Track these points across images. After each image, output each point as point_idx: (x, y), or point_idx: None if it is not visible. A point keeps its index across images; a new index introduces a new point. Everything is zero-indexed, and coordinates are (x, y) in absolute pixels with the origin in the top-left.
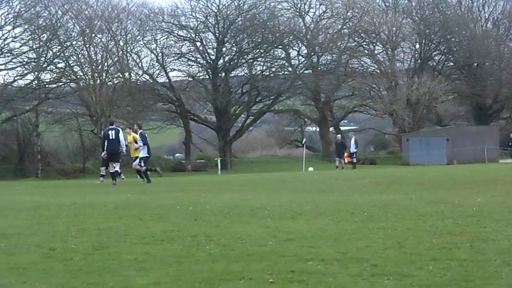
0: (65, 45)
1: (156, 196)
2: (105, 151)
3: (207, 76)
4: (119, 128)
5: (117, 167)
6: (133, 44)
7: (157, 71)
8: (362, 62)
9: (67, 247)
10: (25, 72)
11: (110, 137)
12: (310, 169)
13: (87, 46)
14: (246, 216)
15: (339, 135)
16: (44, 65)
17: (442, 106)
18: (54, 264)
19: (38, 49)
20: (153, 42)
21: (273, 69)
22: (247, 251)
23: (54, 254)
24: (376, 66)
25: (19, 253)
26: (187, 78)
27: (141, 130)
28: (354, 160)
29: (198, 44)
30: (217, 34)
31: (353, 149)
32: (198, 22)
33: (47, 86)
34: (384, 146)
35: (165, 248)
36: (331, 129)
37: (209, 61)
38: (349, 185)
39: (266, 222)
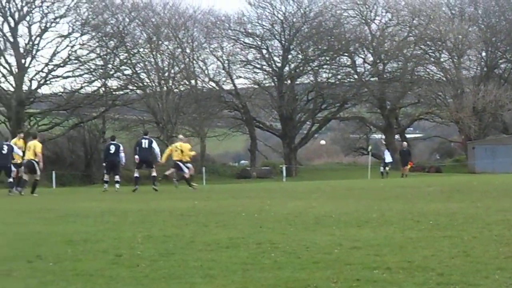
0: (132, 52)
1: (221, 203)
2: (137, 156)
3: (272, 84)
4: (152, 139)
5: (153, 172)
6: (200, 52)
7: (223, 78)
8: (428, 70)
9: (133, 253)
10: (92, 79)
11: (143, 145)
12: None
13: (154, 53)
14: (312, 224)
15: (405, 143)
16: (111, 72)
17: (508, 114)
18: (120, 270)
19: (105, 56)
20: (219, 50)
21: (339, 77)
22: (312, 259)
23: (120, 261)
24: (442, 74)
25: (85, 260)
26: (252, 85)
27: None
28: (387, 170)
29: (264, 51)
30: (283, 42)
31: (388, 159)
32: (264, 30)
33: (114, 93)
34: (450, 154)
35: (231, 255)
36: (396, 136)
37: (274, 68)
38: (415, 193)
39: (331, 229)
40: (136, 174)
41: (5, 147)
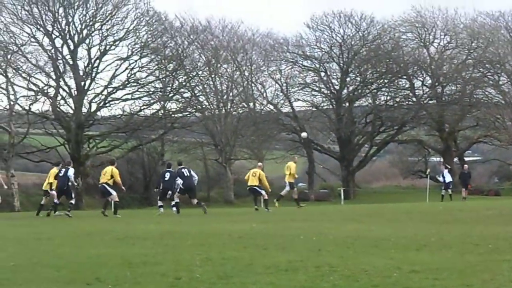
0: (191, 75)
1: (280, 225)
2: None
3: (330, 106)
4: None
5: (194, 201)
6: (258, 74)
7: (281, 101)
8: (486, 93)
9: (192, 276)
10: (152, 101)
11: (185, 174)
12: (304, 134)
13: (212, 76)
14: (370, 247)
15: (466, 165)
16: (170, 95)
17: None
18: None
19: (164, 79)
20: (278, 72)
21: (397, 99)
22: (371, 282)
23: (179, 284)
24: (501, 97)
25: (144, 282)
26: (311, 108)
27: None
28: (450, 192)
29: (322, 74)
30: (341, 64)
31: (448, 179)
32: (323, 52)
33: (173, 115)
34: (509, 177)
35: (290, 278)
36: (455, 159)
37: (333, 91)
38: (473, 216)
39: (390, 253)
40: (176, 200)
41: (63, 170)
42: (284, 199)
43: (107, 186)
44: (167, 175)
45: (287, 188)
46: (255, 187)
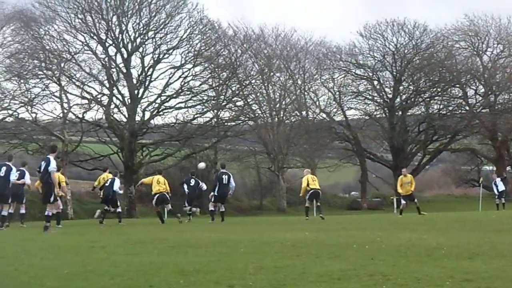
0: (244, 84)
1: (333, 234)
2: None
3: (383, 115)
4: (230, 174)
5: (222, 208)
6: (311, 83)
7: (334, 110)
8: None
9: (245, 284)
10: (205, 110)
11: (223, 182)
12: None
13: (265, 84)
14: (423, 256)
15: None
16: (223, 103)
17: None
18: None
19: (217, 88)
20: (331, 81)
21: (450, 108)
22: None
23: None
24: None
25: None
26: (363, 116)
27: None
28: (503, 201)
29: (375, 82)
30: (394, 73)
31: (501, 187)
32: (376, 61)
33: (226, 124)
34: None
35: (342, 287)
36: (508, 168)
37: (386, 99)
38: None
39: (442, 262)
40: (211, 208)
41: (109, 180)
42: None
43: (166, 195)
44: (226, 178)
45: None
46: (319, 191)
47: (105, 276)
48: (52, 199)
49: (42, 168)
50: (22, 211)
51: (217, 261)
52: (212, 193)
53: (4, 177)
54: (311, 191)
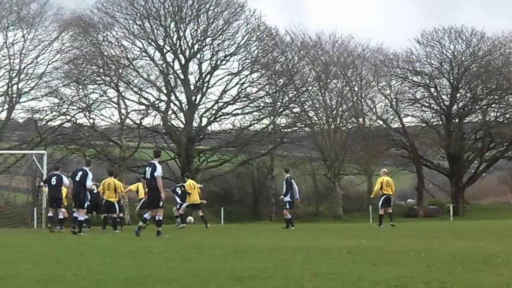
0: (301, 90)
1: (389, 241)
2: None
3: (440, 122)
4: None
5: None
6: (368, 90)
7: (391, 117)
8: None
9: None
10: (261, 116)
11: (293, 186)
12: (190, 218)
13: (322, 91)
14: (479, 264)
15: None
16: (280, 110)
17: None
18: None
19: (274, 94)
20: (388, 88)
21: (507, 116)
22: None
23: None
24: None
25: None
26: (420, 123)
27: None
28: None
29: (432, 90)
30: (451, 80)
31: None
32: (433, 68)
33: (282, 130)
34: None
35: None
36: None
37: (443, 107)
38: None
39: (499, 270)
40: (289, 216)
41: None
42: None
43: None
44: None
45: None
46: (391, 196)
47: (162, 281)
48: (161, 204)
49: (148, 174)
50: (61, 216)
51: (273, 267)
52: (286, 199)
53: (79, 182)
54: (384, 196)
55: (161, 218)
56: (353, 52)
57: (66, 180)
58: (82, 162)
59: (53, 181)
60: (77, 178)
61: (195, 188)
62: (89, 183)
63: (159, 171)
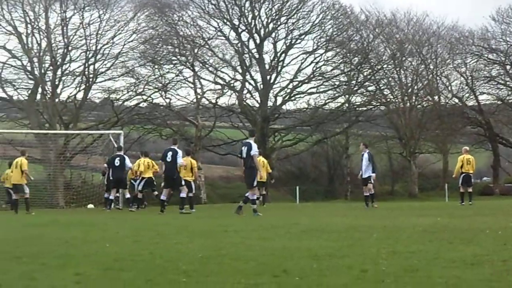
0: (375, 69)
1: (465, 219)
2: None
3: None
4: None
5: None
6: (443, 68)
7: (466, 95)
8: None
9: (378, 269)
10: (336, 95)
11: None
12: (90, 206)
13: (397, 69)
14: None
15: None
16: (355, 88)
17: None
18: (365, 286)
19: (349, 73)
20: (463, 66)
21: None
22: None
23: (365, 276)
24: None
25: (331, 275)
26: (496, 101)
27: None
28: None
29: (508, 67)
30: None
31: None
32: (508, 46)
33: (357, 109)
34: None
35: (475, 272)
36: None
37: None
38: None
39: None
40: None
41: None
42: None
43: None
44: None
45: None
46: (471, 175)
47: (239, 260)
48: (255, 183)
49: (244, 153)
50: (127, 195)
51: (349, 246)
52: (372, 175)
53: (172, 162)
54: (463, 174)
55: (254, 197)
56: (428, 29)
57: (129, 163)
58: (158, 141)
59: (117, 162)
60: (168, 159)
61: (264, 166)
62: (180, 160)
63: (255, 150)
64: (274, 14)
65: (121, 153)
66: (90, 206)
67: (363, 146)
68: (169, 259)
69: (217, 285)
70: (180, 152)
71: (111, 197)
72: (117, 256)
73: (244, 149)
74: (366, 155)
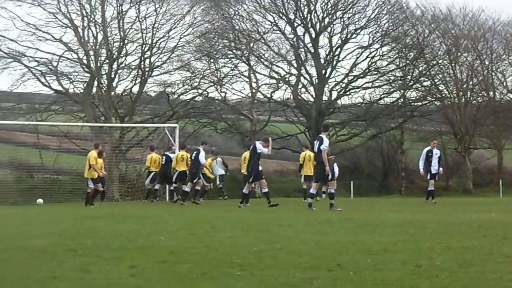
0: (431, 64)
1: None
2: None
3: None
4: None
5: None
6: (498, 63)
7: None
8: None
9: (432, 264)
10: (391, 90)
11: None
12: (39, 200)
13: (452, 64)
14: None
15: None
16: (410, 83)
17: None
18: (420, 281)
19: (404, 68)
20: None
21: None
22: None
23: (420, 271)
24: None
25: (385, 269)
26: None
27: None
28: None
29: None
30: None
31: None
32: None
33: (412, 104)
34: None
35: None
36: None
37: None
38: None
39: None
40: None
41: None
42: None
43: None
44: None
45: None
46: None
47: (293, 254)
48: (329, 177)
49: (316, 147)
50: (187, 189)
51: (404, 241)
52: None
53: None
54: None
55: (332, 191)
56: (483, 25)
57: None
58: (214, 135)
59: (194, 155)
60: (192, 156)
61: (310, 160)
62: (202, 160)
63: (324, 145)
64: (329, 9)
65: (201, 147)
66: (39, 201)
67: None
68: (224, 252)
69: (272, 279)
70: (202, 152)
71: (187, 189)
72: (172, 249)
73: (316, 143)
74: (437, 152)
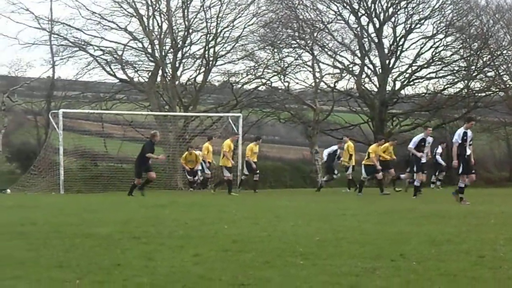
0: (495, 54)
1: None
2: None
3: None
4: None
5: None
6: None
7: None
8: None
9: (495, 255)
10: (455, 80)
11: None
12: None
13: None
14: None
15: None
16: (474, 74)
17: None
18: (483, 272)
19: (468, 58)
20: None
21: None
22: None
23: (482, 262)
24: None
25: (448, 260)
26: None
27: None
28: None
29: None
30: None
31: None
32: None
33: (476, 94)
34: None
35: None
36: None
37: None
38: None
39: None
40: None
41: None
42: None
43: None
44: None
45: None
46: None
47: (356, 243)
48: (460, 170)
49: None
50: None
51: (467, 231)
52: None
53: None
54: None
55: (462, 185)
56: None
57: None
58: (276, 125)
59: None
60: None
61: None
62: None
63: (455, 138)
64: None
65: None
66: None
67: None
68: (287, 241)
69: (334, 268)
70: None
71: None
72: (236, 237)
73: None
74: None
